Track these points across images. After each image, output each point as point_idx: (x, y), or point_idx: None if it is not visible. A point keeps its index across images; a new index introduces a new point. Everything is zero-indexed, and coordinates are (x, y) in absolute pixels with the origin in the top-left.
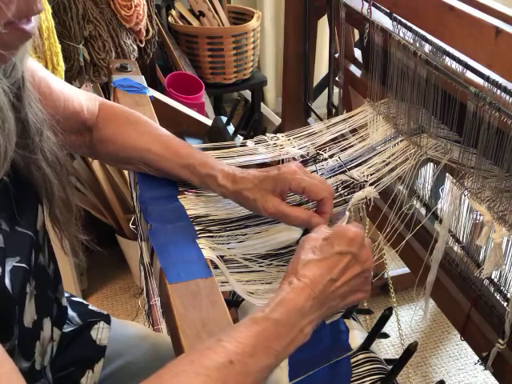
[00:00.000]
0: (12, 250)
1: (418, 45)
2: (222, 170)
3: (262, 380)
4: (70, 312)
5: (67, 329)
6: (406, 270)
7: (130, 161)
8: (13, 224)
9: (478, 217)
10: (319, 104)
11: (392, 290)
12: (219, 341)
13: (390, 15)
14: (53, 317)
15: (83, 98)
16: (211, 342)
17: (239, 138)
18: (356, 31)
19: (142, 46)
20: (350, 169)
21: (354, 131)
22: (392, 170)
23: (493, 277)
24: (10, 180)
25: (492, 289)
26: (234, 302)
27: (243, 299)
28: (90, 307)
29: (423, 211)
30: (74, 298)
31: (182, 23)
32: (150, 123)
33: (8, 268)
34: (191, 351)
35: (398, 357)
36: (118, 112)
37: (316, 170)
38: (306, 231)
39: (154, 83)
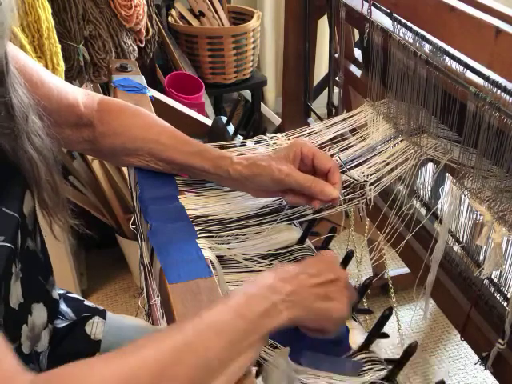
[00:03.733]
0: None
1: (417, 45)
2: (234, 155)
3: (237, 345)
4: (65, 308)
5: (61, 324)
6: (406, 270)
7: (136, 152)
8: None
9: (478, 217)
10: (319, 104)
11: (392, 290)
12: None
13: (390, 15)
14: (46, 303)
15: (79, 94)
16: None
17: (239, 138)
18: (356, 31)
19: (142, 45)
20: (350, 169)
21: (353, 131)
22: (392, 170)
23: (493, 277)
24: None
25: (492, 289)
26: None
27: None
28: (86, 303)
29: (423, 211)
30: (69, 294)
31: (181, 23)
32: (155, 116)
33: None
34: None
35: (398, 357)
36: (122, 106)
37: None
38: (306, 232)
39: (153, 83)
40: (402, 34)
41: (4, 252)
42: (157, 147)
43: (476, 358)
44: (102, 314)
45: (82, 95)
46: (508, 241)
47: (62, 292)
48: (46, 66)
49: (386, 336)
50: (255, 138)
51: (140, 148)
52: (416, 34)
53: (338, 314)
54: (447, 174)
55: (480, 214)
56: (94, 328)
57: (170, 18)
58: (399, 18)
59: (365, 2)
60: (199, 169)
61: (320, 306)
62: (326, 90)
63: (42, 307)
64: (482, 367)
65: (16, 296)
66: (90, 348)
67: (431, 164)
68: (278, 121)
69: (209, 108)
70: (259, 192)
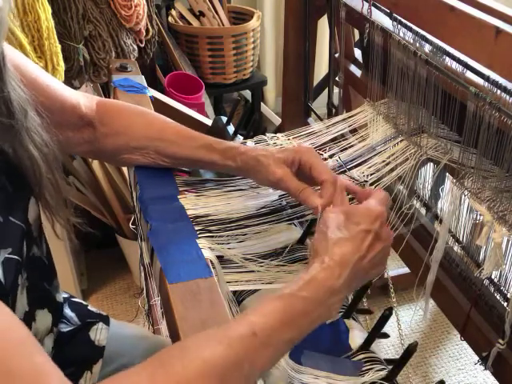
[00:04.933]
0: (4, 241)
1: (417, 45)
2: (241, 144)
3: (283, 351)
4: (69, 312)
5: (65, 329)
6: (406, 269)
7: (141, 150)
8: (6, 214)
9: (478, 217)
10: (319, 104)
11: (392, 290)
12: (245, 314)
13: (390, 15)
14: (50, 309)
15: (79, 96)
16: (238, 316)
17: (239, 138)
18: (356, 31)
19: (142, 45)
20: (350, 169)
21: (353, 131)
22: (392, 170)
23: (493, 277)
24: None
25: (492, 289)
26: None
27: (244, 299)
28: (90, 308)
29: (423, 211)
30: (73, 299)
31: (181, 23)
32: (155, 113)
33: (0, 260)
34: (219, 325)
35: (398, 357)
36: (122, 106)
37: None
38: (306, 232)
39: (153, 83)
40: (402, 34)
41: (12, 265)
42: (161, 144)
43: (476, 358)
44: (106, 320)
45: (81, 96)
46: (508, 241)
47: (65, 296)
48: (46, 66)
49: (386, 336)
50: (255, 138)
51: (145, 146)
52: (416, 34)
53: (381, 273)
54: (447, 174)
55: (480, 214)
56: (98, 334)
57: (170, 18)
58: (399, 18)
59: (365, 2)
60: (208, 162)
61: (367, 277)
62: (326, 90)
63: (46, 313)
64: (482, 367)
65: (22, 305)
66: (94, 354)
67: (431, 164)
68: (278, 121)
69: (209, 108)
70: (262, 183)
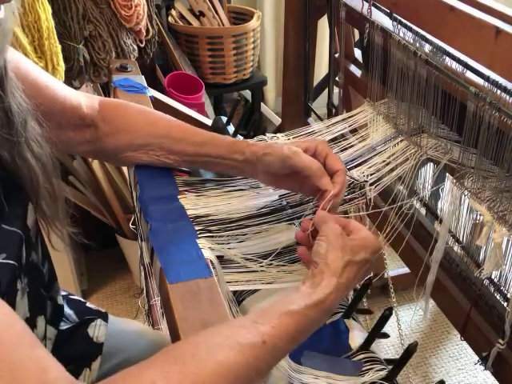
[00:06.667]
0: None
1: (417, 45)
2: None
3: (279, 360)
4: (67, 310)
5: (64, 326)
6: (406, 270)
7: (145, 147)
8: None
9: (478, 217)
10: (319, 104)
11: (392, 290)
12: (254, 322)
13: (390, 15)
14: (47, 315)
15: (81, 96)
16: (244, 322)
17: (239, 138)
18: (356, 31)
19: (142, 45)
20: (350, 169)
21: (354, 131)
22: (392, 170)
23: (493, 277)
24: None
25: (492, 289)
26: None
27: (244, 299)
28: (88, 305)
29: (423, 211)
30: (71, 296)
31: (181, 23)
32: (158, 111)
33: None
34: (222, 326)
35: (398, 357)
36: (124, 104)
37: None
38: None
39: (153, 83)
40: (402, 34)
41: (7, 269)
42: (168, 141)
43: (476, 358)
44: (104, 316)
45: (83, 97)
46: (508, 241)
47: (64, 294)
48: (46, 66)
49: (386, 336)
50: (255, 138)
51: (150, 143)
52: (416, 34)
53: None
54: (447, 174)
55: (480, 214)
56: (97, 331)
57: (170, 18)
58: (399, 18)
59: (365, 2)
60: (214, 156)
61: (358, 281)
62: (326, 90)
63: (42, 319)
64: (482, 367)
65: (23, 311)
66: (93, 350)
67: (431, 164)
68: (278, 121)
69: (209, 108)
70: (267, 175)
